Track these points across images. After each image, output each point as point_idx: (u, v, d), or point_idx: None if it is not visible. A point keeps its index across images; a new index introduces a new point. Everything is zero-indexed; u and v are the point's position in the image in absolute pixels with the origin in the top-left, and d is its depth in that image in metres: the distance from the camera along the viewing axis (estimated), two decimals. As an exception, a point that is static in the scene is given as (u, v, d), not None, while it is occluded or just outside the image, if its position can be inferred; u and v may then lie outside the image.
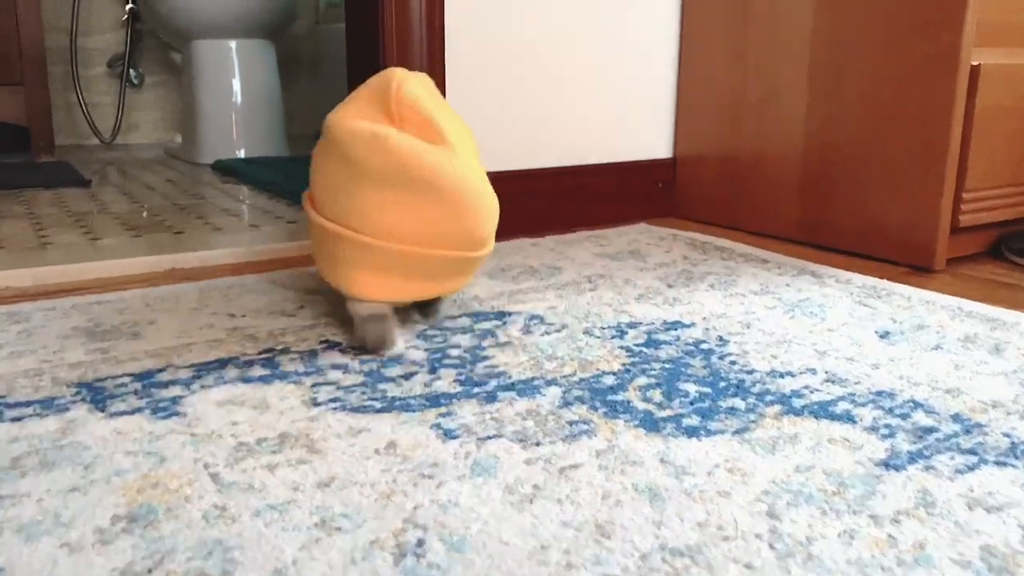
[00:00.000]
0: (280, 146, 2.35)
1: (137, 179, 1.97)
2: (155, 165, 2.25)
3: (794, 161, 1.30)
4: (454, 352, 0.79)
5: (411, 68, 1.21)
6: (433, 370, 0.74)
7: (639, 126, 1.49)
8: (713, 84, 1.43)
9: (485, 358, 0.77)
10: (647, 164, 1.51)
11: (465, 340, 0.83)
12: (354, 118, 0.77)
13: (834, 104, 1.23)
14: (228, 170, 2.06)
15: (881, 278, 1.07)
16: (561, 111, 1.39)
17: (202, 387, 0.70)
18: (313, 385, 0.71)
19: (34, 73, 2.21)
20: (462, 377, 0.73)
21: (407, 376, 0.73)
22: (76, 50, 2.64)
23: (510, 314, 0.91)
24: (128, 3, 2.69)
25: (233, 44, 2.25)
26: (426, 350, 0.80)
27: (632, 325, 0.87)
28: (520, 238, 1.32)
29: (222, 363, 0.76)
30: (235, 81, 2.27)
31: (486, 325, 0.87)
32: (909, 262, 1.16)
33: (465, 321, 0.89)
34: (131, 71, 2.75)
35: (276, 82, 2.34)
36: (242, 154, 2.27)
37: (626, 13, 1.42)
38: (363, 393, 0.69)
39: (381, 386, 0.70)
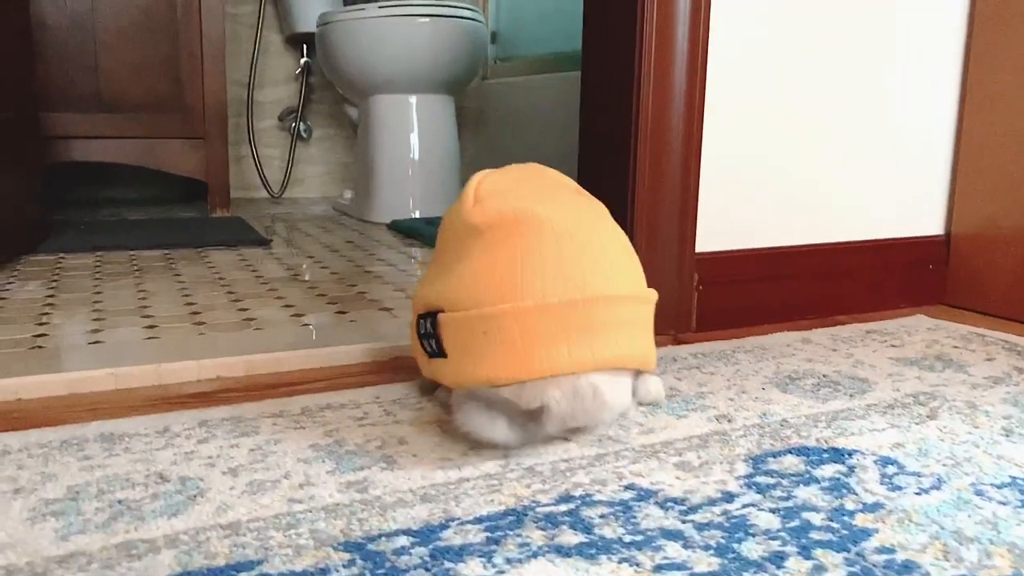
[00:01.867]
0: (454, 205, 2.23)
1: (315, 239, 1.88)
2: (326, 222, 2.17)
3: None
4: (812, 517, 0.59)
5: (666, 135, 1.04)
6: (804, 549, 0.54)
7: (903, 198, 1.26)
8: (1007, 148, 1.19)
9: (864, 532, 0.57)
10: (911, 242, 1.28)
11: (814, 496, 0.62)
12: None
13: None
14: (408, 231, 1.95)
15: None
16: (810, 181, 1.18)
17: (507, 561, 0.52)
18: (656, 569, 0.52)
19: (216, 128, 2.18)
20: (855, 568, 0.52)
21: (774, 559, 0.53)
22: (252, 104, 2.63)
23: (847, 453, 0.70)
24: (302, 56, 2.67)
25: (413, 99, 2.16)
26: (772, 510, 0.60)
27: (1030, 481, 0.65)
28: (773, 326, 1.12)
29: (516, 517, 0.58)
30: (413, 137, 2.17)
31: (826, 471, 0.67)
32: None
33: (793, 461, 0.68)
34: (301, 124, 2.72)
35: (455, 139, 2.23)
36: (418, 214, 2.16)
37: (887, 65, 1.21)
38: (731, 589, 0.50)
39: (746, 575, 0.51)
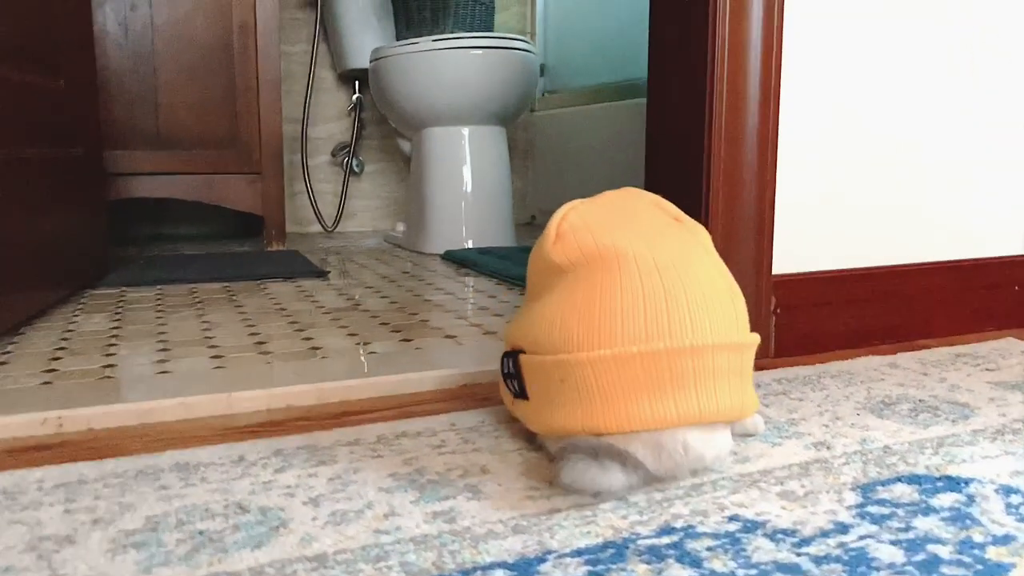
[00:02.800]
0: (508, 236, 2.21)
1: (371, 270, 1.87)
2: (380, 254, 2.17)
3: None
4: (939, 550, 0.54)
5: (740, 161, 1.00)
6: (936, 585, 0.50)
7: (986, 214, 1.21)
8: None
9: (999, 567, 0.52)
10: (996, 263, 1.22)
11: (936, 527, 0.57)
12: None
13: None
14: (462, 261, 1.93)
15: None
16: (884, 196, 1.13)
17: (614, 597, 0.48)
18: (778, 606, 0.47)
19: (272, 163, 2.20)
20: (998, 605, 0.47)
21: (905, 595, 0.48)
22: (306, 140, 2.66)
23: (963, 481, 0.65)
24: (355, 93, 2.70)
25: (466, 131, 2.16)
26: (892, 542, 0.55)
27: None
28: (854, 351, 1.06)
29: (617, 550, 0.54)
30: (466, 169, 2.16)
31: (944, 500, 0.62)
32: None
33: (906, 490, 0.64)
34: (354, 160, 2.74)
35: (507, 170, 2.22)
36: (470, 244, 2.14)
37: (982, 71, 1.17)
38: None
39: (879, 613, 0.46)
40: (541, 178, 2.89)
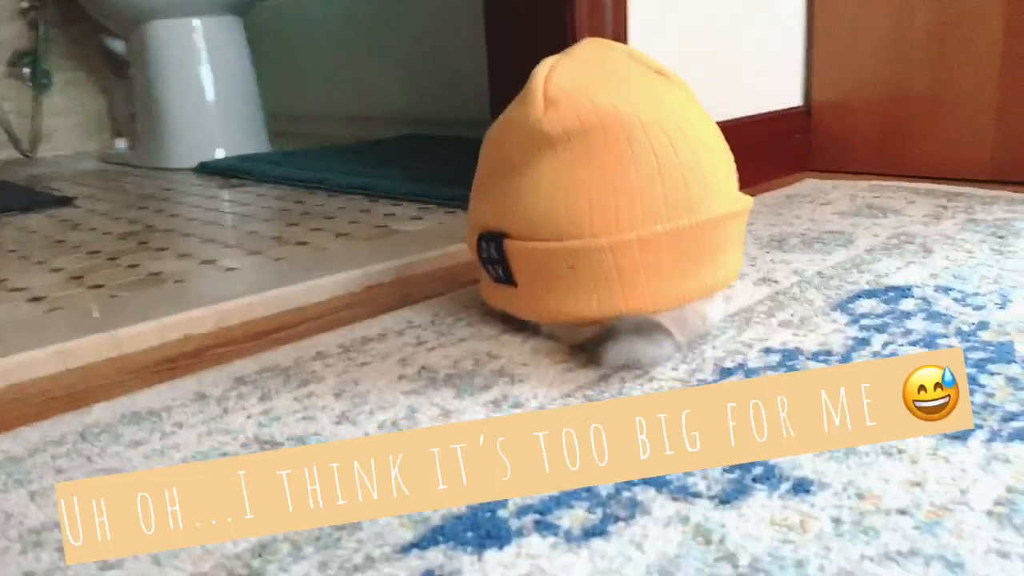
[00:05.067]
0: (263, 141, 2.02)
1: (118, 191, 1.61)
2: (112, 176, 1.87)
3: (988, 94, 1.19)
4: (950, 343, 0.61)
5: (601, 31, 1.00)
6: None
7: (764, 74, 1.33)
8: (861, 16, 1.30)
9: (1005, 346, 0.59)
10: (775, 116, 1.35)
11: (929, 326, 0.64)
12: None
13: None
14: (229, 171, 1.73)
15: None
16: (705, 64, 1.21)
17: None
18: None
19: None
20: (1036, 372, 0.54)
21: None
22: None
23: (905, 290, 0.73)
24: (29, -14, 2.24)
25: (198, 23, 1.90)
26: (912, 343, 0.61)
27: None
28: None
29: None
30: (204, 68, 1.92)
31: (908, 305, 0.69)
32: None
33: (873, 304, 0.70)
34: (40, 69, 2.30)
35: (250, 66, 2.01)
36: (221, 153, 1.92)
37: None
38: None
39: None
40: (285, 70, 2.60)
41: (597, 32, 1.01)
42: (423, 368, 0.62)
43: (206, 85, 1.92)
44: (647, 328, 0.59)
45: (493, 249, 0.65)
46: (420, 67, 2.15)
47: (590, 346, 0.60)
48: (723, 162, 0.64)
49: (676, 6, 1.13)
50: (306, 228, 1.13)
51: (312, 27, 2.47)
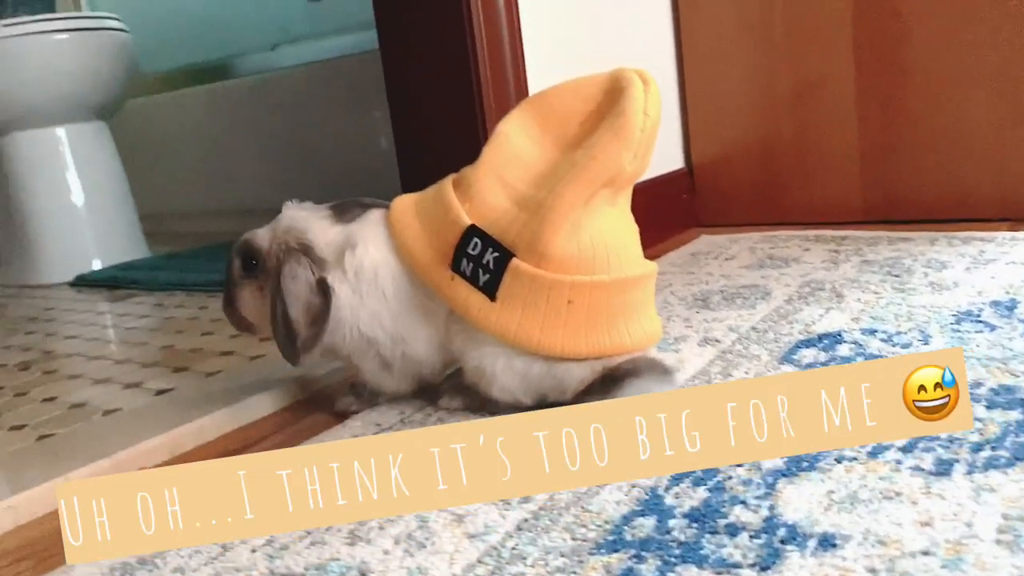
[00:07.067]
0: (141, 246, 1.93)
1: (7, 315, 1.51)
2: (-18, 297, 1.75)
3: (850, 144, 1.31)
4: (893, 382, 0.66)
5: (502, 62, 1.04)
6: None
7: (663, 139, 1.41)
8: (727, 83, 1.41)
9: (941, 378, 0.66)
10: (664, 179, 1.44)
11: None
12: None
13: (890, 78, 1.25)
14: (112, 282, 1.65)
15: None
16: None
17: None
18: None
19: None
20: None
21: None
22: None
23: (835, 336, 0.79)
24: None
25: (62, 131, 1.82)
26: (861, 388, 0.66)
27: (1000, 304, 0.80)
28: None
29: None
30: (71, 175, 1.83)
31: (844, 351, 0.75)
32: (1005, 217, 1.21)
33: (813, 352, 0.75)
34: None
35: (121, 170, 1.93)
36: (99, 264, 1.83)
37: (608, 29, 1.35)
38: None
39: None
40: (150, 172, 2.49)
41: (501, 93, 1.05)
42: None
43: (75, 194, 1.83)
44: (660, 367, 0.66)
45: (491, 260, 0.64)
46: (286, 157, 2.14)
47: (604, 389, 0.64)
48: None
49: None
50: (224, 336, 1.10)
51: (179, 123, 2.41)
